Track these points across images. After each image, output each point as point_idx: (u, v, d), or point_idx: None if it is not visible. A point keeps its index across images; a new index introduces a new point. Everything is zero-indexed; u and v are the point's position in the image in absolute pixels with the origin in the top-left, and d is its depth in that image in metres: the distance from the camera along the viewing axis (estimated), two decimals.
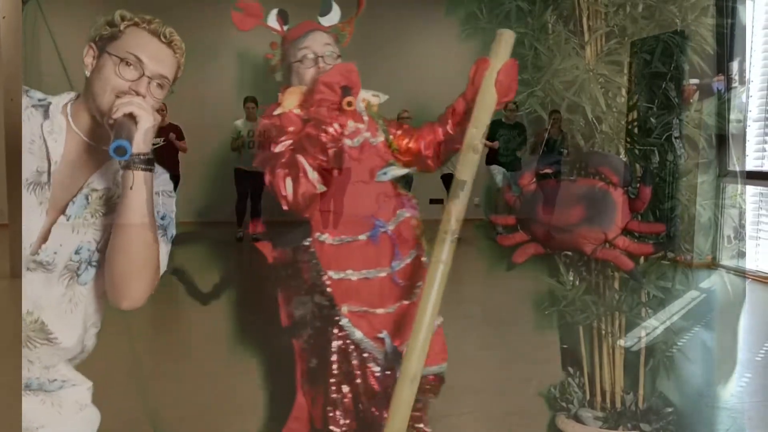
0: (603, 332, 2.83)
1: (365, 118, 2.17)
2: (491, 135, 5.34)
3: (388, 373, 2.15)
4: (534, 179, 2.84)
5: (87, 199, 1.48)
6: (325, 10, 2.26)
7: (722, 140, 5.55)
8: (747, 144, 5.57)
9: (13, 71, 5.18)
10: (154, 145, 1.43)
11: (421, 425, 2.24)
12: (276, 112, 2.10)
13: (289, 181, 1.97)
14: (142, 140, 1.36)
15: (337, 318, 2.13)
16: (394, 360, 2.11)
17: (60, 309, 1.49)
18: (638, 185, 2.66)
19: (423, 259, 2.26)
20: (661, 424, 2.75)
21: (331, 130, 1.92)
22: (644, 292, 2.83)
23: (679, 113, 2.88)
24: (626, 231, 2.64)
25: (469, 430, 2.97)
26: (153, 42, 1.47)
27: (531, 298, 3.08)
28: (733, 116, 5.47)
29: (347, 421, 2.13)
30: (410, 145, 2.23)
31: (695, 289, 4.76)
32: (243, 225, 7.29)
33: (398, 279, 2.17)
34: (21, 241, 1.47)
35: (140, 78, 1.43)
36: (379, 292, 2.17)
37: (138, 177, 1.36)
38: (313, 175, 1.94)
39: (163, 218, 1.53)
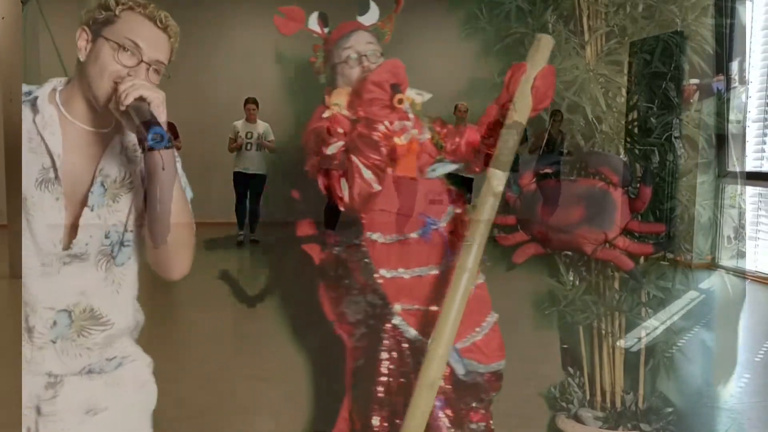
0: (603, 332, 2.83)
1: (411, 115, 2.15)
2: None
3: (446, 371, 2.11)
4: (534, 179, 2.84)
5: (103, 186, 1.48)
6: (364, 10, 2.26)
7: (722, 140, 5.56)
8: (746, 145, 5.58)
9: (11, 72, 5.17)
10: (133, 119, 1.41)
11: (484, 423, 2.21)
12: (325, 115, 2.10)
13: (344, 182, 1.97)
14: (163, 120, 1.37)
15: (389, 316, 2.11)
16: (451, 357, 2.09)
17: (106, 292, 1.50)
18: (638, 185, 2.66)
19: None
20: (661, 424, 2.75)
21: (382, 128, 1.93)
22: (644, 292, 2.83)
23: (679, 113, 2.88)
24: (626, 231, 2.64)
25: None
26: (149, 27, 1.45)
27: (531, 298, 3.08)
28: (732, 116, 5.49)
29: (396, 421, 2.08)
30: (455, 145, 2.22)
31: (695, 289, 4.77)
32: (244, 228, 7.20)
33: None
34: (20, 241, 1.46)
35: (139, 64, 1.42)
36: (432, 290, 2.14)
37: (167, 156, 1.36)
38: (368, 175, 1.94)
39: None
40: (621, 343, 2.86)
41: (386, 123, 1.94)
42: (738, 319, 4.48)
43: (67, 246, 1.45)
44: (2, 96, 5.47)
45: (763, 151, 5.47)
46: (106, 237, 1.49)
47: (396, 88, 1.92)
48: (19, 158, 1.44)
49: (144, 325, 1.63)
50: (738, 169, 5.57)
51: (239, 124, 7.08)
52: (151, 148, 1.32)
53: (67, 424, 1.48)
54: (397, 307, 2.11)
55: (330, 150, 2.00)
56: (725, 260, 5.83)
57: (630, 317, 2.83)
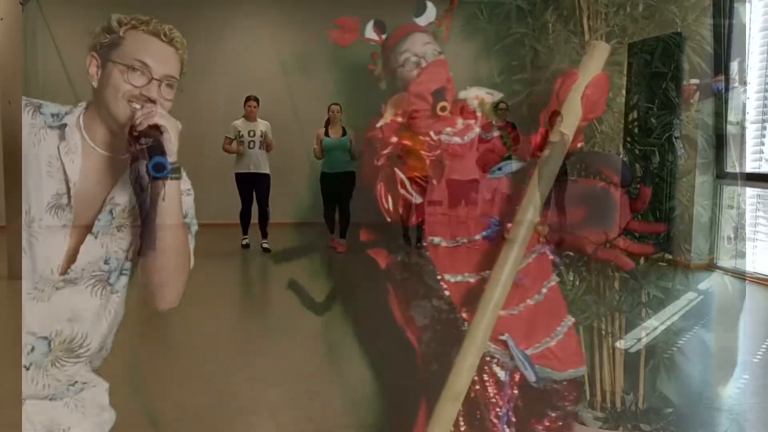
0: (603, 332, 2.82)
1: (478, 114, 2.12)
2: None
3: (515, 378, 2.07)
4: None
5: (111, 214, 1.49)
6: (420, 11, 2.21)
7: (721, 141, 5.57)
8: (745, 145, 5.58)
9: (10, 74, 5.16)
10: (142, 144, 1.42)
11: None
12: (378, 124, 2.10)
13: (389, 195, 1.97)
14: (173, 150, 1.37)
15: (457, 322, 2.06)
16: (520, 363, 2.02)
17: (95, 319, 1.51)
18: (638, 185, 2.66)
19: (550, 256, 2.18)
20: (661, 424, 2.75)
21: (427, 139, 1.92)
22: (644, 292, 2.82)
23: (678, 114, 2.88)
24: (627, 231, 2.63)
25: None
26: (155, 43, 1.45)
27: None
28: (731, 117, 5.50)
29: (463, 428, 2.04)
30: (523, 145, 2.16)
31: (694, 290, 4.77)
32: (248, 232, 6.95)
33: (520, 278, 2.04)
34: (19, 243, 1.47)
35: (150, 82, 1.42)
36: None
37: (170, 187, 1.38)
38: (410, 187, 1.93)
39: (185, 216, 1.54)
40: (620, 343, 2.86)
41: (432, 133, 1.92)
42: (738, 320, 4.48)
43: (65, 271, 1.45)
44: (1, 98, 5.46)
45: (761, 152, 5.47)
46: (105, 263, 1.49)
47: (439, 94, 1.90)
48: (18, 160, 1.44)
49: (107, 354, 1.63)
50: (738, 170, 5.58)
51: (239, 123, 6.87)
52: (155, 177, 1.33)
53: None
54: (464, 312, 2.05)
55: (381, 161, 1.99)
56: (724, 261, 5.84)
57: (630, 317, 2.83)
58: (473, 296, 2.03)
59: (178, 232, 1.45)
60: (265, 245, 6.83)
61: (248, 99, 6.92)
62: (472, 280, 2.07)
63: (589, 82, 1.93)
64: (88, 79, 1.47)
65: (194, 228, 1.59)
